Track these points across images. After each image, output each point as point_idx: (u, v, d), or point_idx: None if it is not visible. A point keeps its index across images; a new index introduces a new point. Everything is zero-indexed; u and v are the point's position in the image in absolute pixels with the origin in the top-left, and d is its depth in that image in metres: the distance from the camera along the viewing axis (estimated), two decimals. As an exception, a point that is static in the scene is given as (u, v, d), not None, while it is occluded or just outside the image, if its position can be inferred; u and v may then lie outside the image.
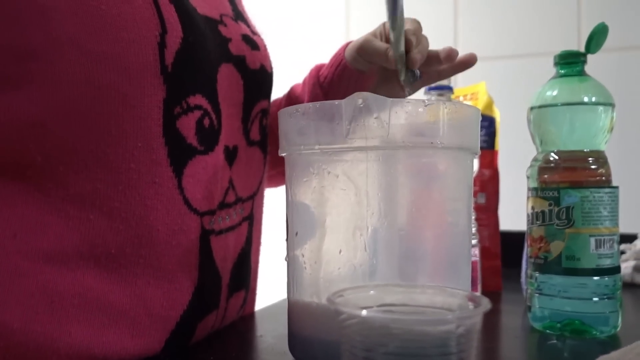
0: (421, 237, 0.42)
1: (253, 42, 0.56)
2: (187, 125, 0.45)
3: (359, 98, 0.39)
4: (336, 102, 0.40)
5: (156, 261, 0.44)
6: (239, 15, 0.57)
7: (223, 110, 0.50)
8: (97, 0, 0.40)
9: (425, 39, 0.55)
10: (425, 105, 0.40)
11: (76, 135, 0.41)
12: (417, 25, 0.55)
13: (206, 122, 0.47)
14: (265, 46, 0.59)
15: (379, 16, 0.55)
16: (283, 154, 0.45)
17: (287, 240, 0.45)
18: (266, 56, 0.59)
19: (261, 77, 0.57)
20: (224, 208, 0.51)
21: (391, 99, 0.39)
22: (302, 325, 0.43)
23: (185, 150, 0.45)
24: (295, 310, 0.44)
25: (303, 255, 0.42)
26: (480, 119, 0.44)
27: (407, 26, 0.53)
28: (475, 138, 0.44)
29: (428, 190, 0.43)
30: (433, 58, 0.55)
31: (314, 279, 0.42)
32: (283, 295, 0.71)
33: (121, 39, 0.40)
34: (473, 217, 0.70)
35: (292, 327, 0.45)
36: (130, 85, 0.41)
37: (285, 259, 0.45)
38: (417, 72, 0.54)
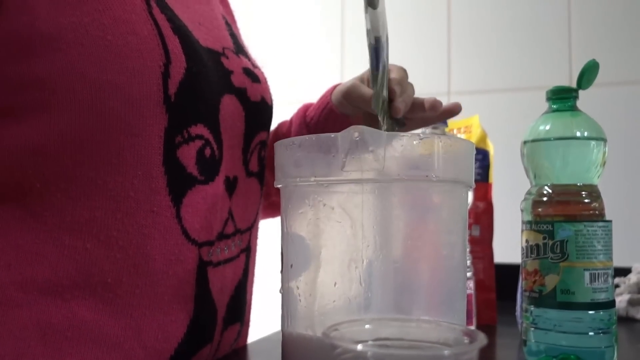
0: (416, 269, 0.42)
1: (254, 75, 0.57)
2: (188, 155, 0.45)
3: (355, 131, 0.39)
4: (332, 134, 0.40)
5: (152, 291, 0.44)
6: (240, 49, 0.58)
7: (225, 140, 0.50)
8: (103, 30, 0.40)
9: (411, 86, 0.56)
10: (420, 139, 0.40)
11: (76, 162, 0.41)
12: (403, 74, 0.56)
13: (207, 152, 0.47)
14: (265, 79, 0.60)
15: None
16: (279, 186, 0.45)
17: (281, 272, 0.45)
18: (266, 89, 0.59)
19: (261, 109, 0.57)
20: (223, 239, 0.50)
21: (387, 132, 0.40)
22: (297, 358, 0.43)
23: (185, 180, 0.45)
24: (289, 343, 0.43)
25: (298, 287, 0.42)
26: (474, 152, 0.45)
27: (392, 75, 0.54)
28: (470, 171, 0.44)
29: (423, 223, 0.43)
30: (417, 106, 0.56)
31: (309, 312, 0.41)
32: (276, 327, 0.71)
33: (125, 68, 0.40)
34: (467, 250, 0.70)
35: None
36: (133, 114, 0.41)
37: (280, 291, 0.45)
38: (401, 119, 0.55)
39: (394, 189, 0.41)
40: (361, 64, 0.57)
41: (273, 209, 0.69)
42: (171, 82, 0.43)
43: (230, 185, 0.52)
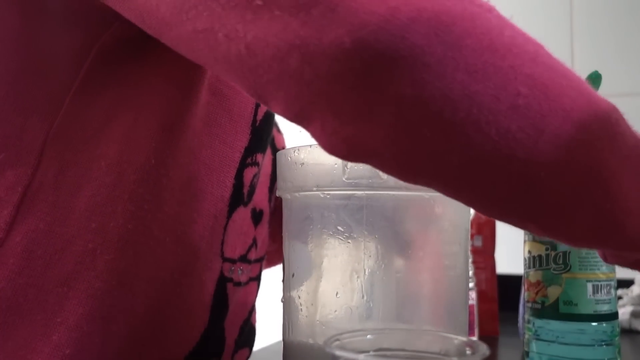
0: (418, 280, 0.42)
1: (277, 126, 0.63)
2: (248, 177, 0.49)
3: None
4: None
5: (185, 293, 0.45)
6: None
7: (260, 174, 0.53)
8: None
9: None
10: None
11: (182, 155, 0.43)
12: None
13: (256, 180, 0.51)
14: (283, 134, 0.66)
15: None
16: (281, 195, 0.45)
17: (283, 281, 0.45)
18: (284, 140, 0.66)
19: None
20: (245, 263, 0.52)
21: None
22: None
23: (239, 197, 0.48)
24: (291, 352, 0.43)
25: (299, 297, 0.42)
26: None
27: None
28: None
29: (425, 233, 0.43)
30: None
31: (311, 321, 0.41)
32: (276, 338, 0.70)
33: (232, 87, 0.45)
34: (470, 260, 0.69)
35: None
36: (231, 126, 0.45)
37: (282, 300, 0.45)
38: None
39: (395, 199, 0.41)
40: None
41: (268, 259, 0.69)
42: (260, 109, 0.48)
43: (257, 216, 0.54)
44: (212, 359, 0.50)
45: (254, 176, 0.50)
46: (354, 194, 0.40)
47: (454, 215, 0.43)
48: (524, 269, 0.56)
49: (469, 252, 0.47)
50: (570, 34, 1.29)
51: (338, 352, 0.30)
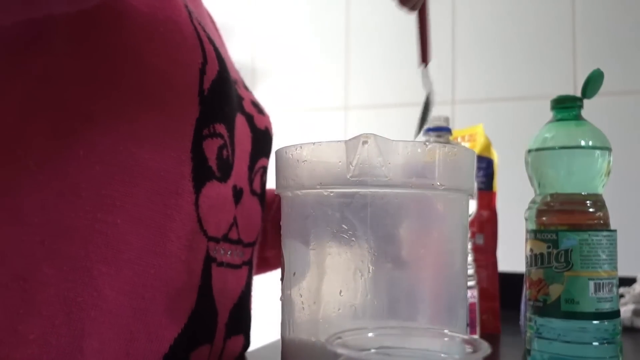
0: (420, 278, 0.42)
1: (259, 108, 0.62)
2: (211, 149, 0.48)
3: (362, 138, 0.39)
4: (338, 141, 0.40)
5: (165, 274, 0.45)
6: (247, 87, 0.63)
7: (237, 151, 0.53)
8: (156, 25, 0.44)
9: None
10: (426, 147, 0.40)
11: (121, 136, 0.42)
12: None
13: (225, 153, 0.50)
14: (269, 115, 0.65)
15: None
16: (281, 193, 0.45)
17: (282, 279, 0.45)
18: (269, 122, 0.64)
19: (265, 137, 0.61)
20: (227, 242, 0.52)
21: (394, 140, 0.40)
22: None
23: (206, 171, 0.48)
24: (291, 350, 0.43)
25: (301, 295, 0.42)
26: (475, 160, 0.45)
27: None
28: (471, 179, 0.44)
29: (427, 231, 0.43)
30: None
31: (313, 319, 0.41)
32: (271, 337, 0.71)
33: (171, 57, 0.45)
34: (471, 258, 0.69)
35: None
36: (173, 98, 0.45)
37: (280, 299, 0.45)
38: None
39: (400, 196, 0.41)
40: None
41: (266, 264, 0.69)
42: (206, 78, 0.47)
43: (237, 194, 0.53)
44: (204, 344, 0.50)
45: (221, 148, 0.49)
46: (358, 192, 0.40)
47: (454, 214, 0.44)
48: (526, 267, 0.56)
49: (468, 250, 0.47)
50: (572, 31, 1.29)
51: (340, 350, 0.30)
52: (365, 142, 0.39)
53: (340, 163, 0.40)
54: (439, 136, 0.70)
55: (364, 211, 0.40)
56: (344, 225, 0.40)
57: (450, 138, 0.72)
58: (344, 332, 0.33)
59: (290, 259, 0.44)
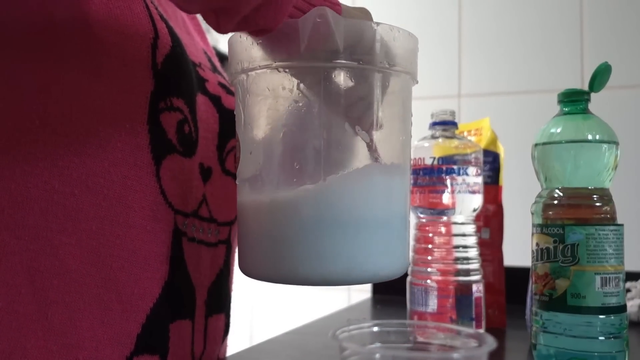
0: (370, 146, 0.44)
1: (228, 88, 0.60)
2: (169, 123, 0.48)
3: (316, 15, 0.40)
4: (293, 20, 0.41)
5: (131, 244, 0.45)
6: (215, 69, 0.62)
7: (200, 130, 0.53)
8: (108, 2, 0.45)
9: None
10: (376, 27, 0.41)
11: (75, 108, 0.43)
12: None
13: (186, 128, 0.50)
14: None
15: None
16: (235, 78, 0.46)
17: (236, 167, 0.46)
18: None
19: None
20: (197, 219, 0.52)
21: (345, 18, 0.41)
22: (250, 225, 0.45)
23: (165, 144, 0.48)
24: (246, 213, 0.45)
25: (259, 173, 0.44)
26: (418, 46, 0.46)
27: None
28: (416, 64, 0.46)
29: (376, 108, 0.44)
30: None
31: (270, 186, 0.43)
32: (267, 336, 0.71)
33: (121, 33, 0.45)
34: (477, 253, 0.69)
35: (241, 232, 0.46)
36: (126, 72, 0.45)
37: (237, 182, 0.47)
38: None
39: (352, 73, 0.42)
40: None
41: None
42: (159, 52, 0.47)
43: (205, 172, 0.54)
44: (184, 318, 0.51)
45: (181, 123, 0.50)
46: (313, 67, 0.41)
47: (402, 95, 0.45)
48: (532, 262, 0.56)
49: (409, 135, 0.48)
50: (580, 25, 1.28)
51: (345, 344, 0.30)
52: (318, 18, 0.40)
53: (294, 40, 0.40)
54: (445, 130, 0.70)
55: (317, 87, 0.41)
56: (297, 99, 0.42)
57: (456, 132, 0.71)
58: (349, 327, 0.33)
59: (245, 139, 0.45)
